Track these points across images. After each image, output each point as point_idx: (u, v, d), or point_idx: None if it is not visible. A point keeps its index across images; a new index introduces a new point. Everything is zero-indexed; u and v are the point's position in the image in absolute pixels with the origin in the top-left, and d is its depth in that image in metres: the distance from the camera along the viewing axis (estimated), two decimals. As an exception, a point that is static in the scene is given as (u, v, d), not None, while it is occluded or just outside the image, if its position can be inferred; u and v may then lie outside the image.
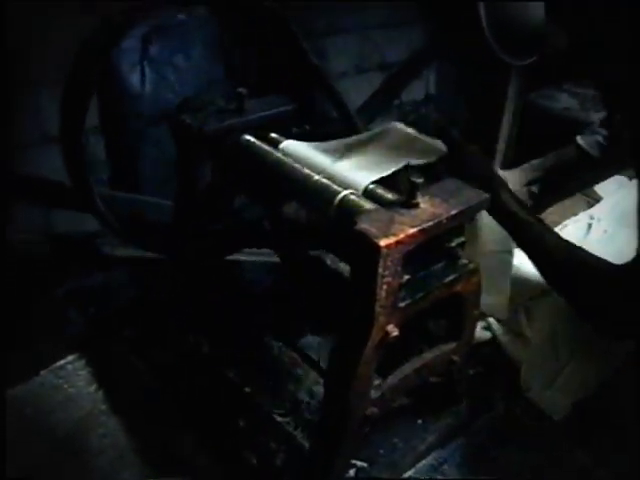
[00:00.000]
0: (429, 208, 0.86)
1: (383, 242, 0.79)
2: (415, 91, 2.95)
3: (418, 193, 0.86)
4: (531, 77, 2.79)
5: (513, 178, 1.52)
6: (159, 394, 1.16)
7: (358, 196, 0.94)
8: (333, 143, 1.09)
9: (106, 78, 1.41)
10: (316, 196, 0.97)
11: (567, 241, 1.15)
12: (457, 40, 2.75)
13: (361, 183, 0.98)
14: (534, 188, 1.60)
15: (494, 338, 1.32)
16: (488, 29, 2.17)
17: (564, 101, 2.87)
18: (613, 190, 1.72)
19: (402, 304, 0.88)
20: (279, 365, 1.14)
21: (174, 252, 1.26)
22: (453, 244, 0.92)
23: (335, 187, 0.96)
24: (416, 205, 0.86)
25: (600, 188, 1.76)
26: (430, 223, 0.84)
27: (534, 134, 2.75)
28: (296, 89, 1.27)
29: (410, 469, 1.07)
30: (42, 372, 1.18)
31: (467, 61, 2.84)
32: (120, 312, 1.31)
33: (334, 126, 1.50)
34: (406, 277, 0.86)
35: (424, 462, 1.08)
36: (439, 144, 1.11)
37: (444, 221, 0.85)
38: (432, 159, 1.05)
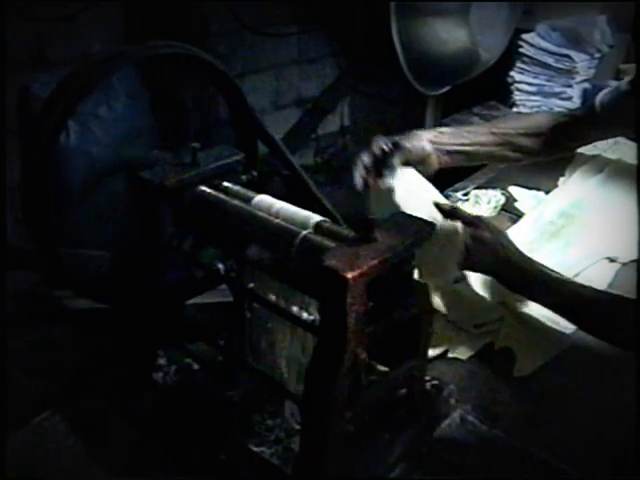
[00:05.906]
0: (386, 241, 0.96)
1: (350, 274, 0.89)
2: (330, 124, 3.05)
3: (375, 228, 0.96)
4: (445, 104, 2.96)
5: None
6: (138, 444, 1.19)
7: (316, 234, 1.04)
8: None
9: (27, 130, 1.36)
10: (277, 237, 1.06)
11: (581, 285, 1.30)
12: (370, 75, 2.88)
13: (310, 220, 1.07)
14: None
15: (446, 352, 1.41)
16: (406, 66, 2.32)
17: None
18: (532, 206, 1.87)
19: (368, 329, 0.97)
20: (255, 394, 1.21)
21: (133, 303, 1.31)
22: (407, 269, 1.03)
23: (294, 228, 1.05)
24: (374, 239, 0.95)
25: (520, 205, 1.90)
26: (388, 254, 0.94)
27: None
28: (239, 139, 1.35)
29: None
30: (19, 431, 1.20)
31: (380, 94, 2.97)
32: (86, 364, 1.33)
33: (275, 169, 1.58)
34: (370, 304, 0.95)
35: (394, 473, 1.15)
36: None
37: (400, 251, 0.96)
38: None
